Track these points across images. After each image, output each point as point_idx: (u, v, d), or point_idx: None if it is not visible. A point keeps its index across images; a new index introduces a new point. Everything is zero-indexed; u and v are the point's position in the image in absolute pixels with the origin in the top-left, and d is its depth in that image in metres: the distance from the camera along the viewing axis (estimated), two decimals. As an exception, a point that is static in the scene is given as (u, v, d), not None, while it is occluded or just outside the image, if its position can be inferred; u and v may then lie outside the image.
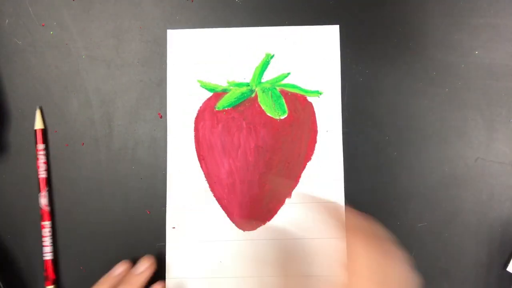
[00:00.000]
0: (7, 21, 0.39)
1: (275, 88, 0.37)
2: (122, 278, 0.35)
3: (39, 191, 0.38)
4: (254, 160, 0.37)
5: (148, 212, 0.38)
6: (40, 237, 0.38)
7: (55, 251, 0.38)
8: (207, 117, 0.37)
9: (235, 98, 0.37)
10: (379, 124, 0.38)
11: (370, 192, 0.38)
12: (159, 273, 0.37)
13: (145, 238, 0.38)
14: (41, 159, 0.38)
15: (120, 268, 0.36)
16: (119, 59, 0.39)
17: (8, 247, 0.39)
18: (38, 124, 0.39)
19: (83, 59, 0.39)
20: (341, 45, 0.38)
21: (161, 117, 0.38)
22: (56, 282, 0.38)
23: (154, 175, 0.38)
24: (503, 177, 0.37)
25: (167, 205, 0.38)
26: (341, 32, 0.38)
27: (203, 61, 0.38)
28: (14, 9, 0.39)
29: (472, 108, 0.38)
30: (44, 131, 0.39)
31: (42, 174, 0.38)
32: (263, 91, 0.37)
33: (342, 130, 0.38)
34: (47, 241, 0.38)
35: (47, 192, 0.38)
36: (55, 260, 0.38)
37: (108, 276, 0.36)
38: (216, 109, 0.37)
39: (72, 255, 0.38)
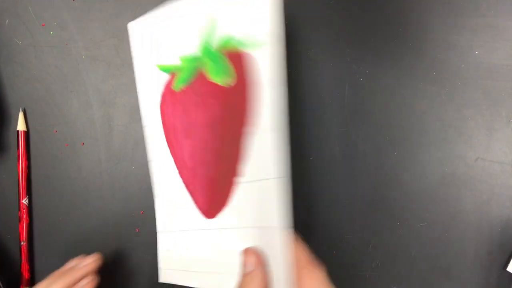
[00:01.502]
0: (7, 21, 0.39)
1: (219, 53, 0.33)
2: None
3: (22, 195, 0.38)
4: (208, 137, 0.33)
5: (141, 213, 0.38)
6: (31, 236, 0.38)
7: (55, 251, 0.38)
8: (169, 101, 0.35)
9: (187, 74, 0.34)
10: (379, 124, 0.38)
11: (370, 192, 0.38)
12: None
13: (145, 238, 0.38)
14: (22, 162, 0.38)
15: (72, 263, 0.36)
16: (119, 59, 0.39)
17: (7, 247, 0.39)
18: (21, 126, 0.38)
19: (83, 59, 0.39)
20: (341, 45, 0.38)
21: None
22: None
23: (154, 175, 0.38)
24: (503, 177, 0.37)
25: (155, 197, 0.36)
26: (341, 33, 0.38)
27: (157, 44, 0.35)
28: (14, 9, 0.39)
29: (472, 108, 0.38)
30: (27, 134, 0.39)
31: (23, 178, 0.38)
32: (210, 59, 0.33)
33: (340, 130, 0.37)
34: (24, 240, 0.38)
35: (27, 197, 0.38)
36: (55, 261, 0.38)
37: (60, 269, 0.35)
38: (174, 90, 0.34)
39: (72, 255, 0.38)
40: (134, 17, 0.39)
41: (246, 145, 0.31)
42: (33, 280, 0.39)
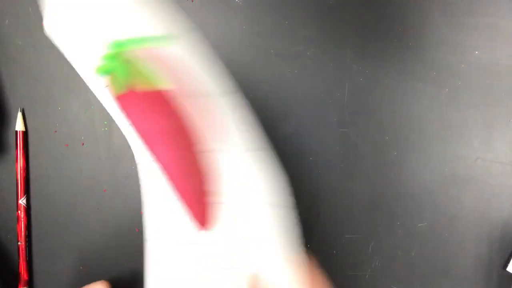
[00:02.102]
0: (7, 21, 0.39)
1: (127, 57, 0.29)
2: None
3: (20, 195, 0.38)
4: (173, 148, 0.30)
5: (141, 213, 0.38)
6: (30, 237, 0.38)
7: (54, 252, 0.38)
8: (124, 103, 0.30)
9: (121, 80, 0.29)
10: (379, 124, 0.38)
11: (370, 192, 0.38)
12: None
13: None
14: (21, 162, 0.38)
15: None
16: (119, 59, 0.39)
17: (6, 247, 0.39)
18: (19, 126, 0.38)
19: (83, 59, 0.39)
20: (341, 45, 0.38)
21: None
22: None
23: (154, 175, 0.38)
24: (503, 177, 0.37)
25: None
26: (341, 33, 0.38)
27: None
28: (14, 9, 0.39)
29: (472, 108, 0.38)
30: (26, 134, 0.39)
31: (21, 177, 0.38)
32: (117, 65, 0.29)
33: (340, 130, 0.37)
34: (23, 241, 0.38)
35: (25, 197, 0.38)
36: (55, 261, 0.38)
37: None
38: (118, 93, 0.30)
39: (72, 255, 0.38)
40: (134, 17, 0.39)
41: (208, 164, 0.29)
42: (32, 281, 0.39)
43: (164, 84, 0.29)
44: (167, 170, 0.31)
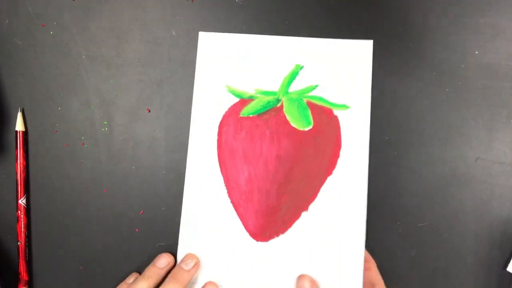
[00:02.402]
0: (7, 21, 0.39)
1: (301, 99, 0.37)
2: (170, 272, 0.35)
3: (20, 195, 0.38)
4: (274, 169, 0.36)
5: (141, 213, 0.38)
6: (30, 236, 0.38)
7: (54, 252, 0.38)
8: (232, 123, 0.37)
9: (261, 106, 0.37)
10: (379, 124, 0.38)
11: (370, 192, 0.38)
12: (159, 273, 0.37)
13: (145, 238, 0.38)
14: (21, 162, 0.38)
15: (163, 260, 0.36)
16: (119, 59, 0.39)
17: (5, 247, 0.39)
18: (19, 126, 0.38)
19: (83, 59, 0.39)
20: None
21: (149, 111, 0.39)
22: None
23: (154, 175, 0.38)
24: (503, 177, 0.37)
25: (182, 208, 0.37)
26: (341, 33, 0.38)
27: (232, 66, 0.37)
28: (14, 9, 0.39)
29: (472, 108, 0.38)
30: (26, 134, 0.39)
31: (21, 177, 0.38)
32: (290, 101, 0.37)
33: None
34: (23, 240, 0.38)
35: (25, 197, 0.38)
36: (55, 261, 0.38)
37: (154, 267, 0.35)
38: (241, 116, 0.37)
39: (72, 255, 0.38)
40: (134, 17, 0.39)
41: (319, 188, 0.36)
42: (32, 281, 0.39)
43: (306, 127, 0.36)
44: (238, 185, 0.37)
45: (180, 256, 0.36)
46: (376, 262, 0.37)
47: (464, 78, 0.38)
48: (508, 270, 0.37)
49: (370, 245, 0.37)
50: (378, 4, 0.38)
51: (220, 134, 0.37)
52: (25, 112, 0.39)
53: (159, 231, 0.38)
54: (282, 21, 0.38)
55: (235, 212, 0.36)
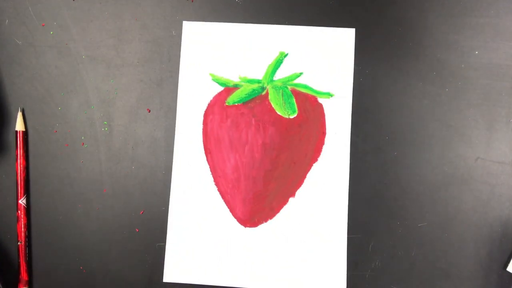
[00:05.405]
0: (7, 21, 0.39)
1: (286, 87, 0.37)
2: None
3: (20, 195, 0.38)
4: (261, 157, 0.37)
5: (141, 213, 0.38)
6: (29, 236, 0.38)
7: (54, 252, 0.38)
8: (217, 111, 0.37)
9: (246, 94, 0.37)
10: (379, 124, 0.38)
11: (370, 192, 0.38)
12: (160, 272, 0.37)
13: (145, 238, 0.38)
14: (21, 162, 0.38)
15: None
16: (119, 59, 0.39)
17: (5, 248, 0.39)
18: (19, 126, 0.38)
19: (83, 59, 0.39)
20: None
21: (149, 111, 0.39)
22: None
23: (154, 175, 0.38)
24: (503, 177, 0.37)
25: (170, 197, 0.38)
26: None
27: (217, 55, 0.38)
28: (14, 9, 0.39)
29: (472, 108, 0.38)
30: (26, 134, 0.39)
31: (21, 177, 0.38)
32: (274, 89, 0.37)
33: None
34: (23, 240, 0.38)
35: (25, 197, 0.38)
36: (55, 261, 0.38)
37: None
38: (226, 104, 0.37)
39: (72, 255, 0.38)
40: (134, 17, 0.39)
41: (306, 174, 0.37)
42: (32, 281, 0.39)
43: (290, 114, 0.37)
44: (225, 173, 0.37)
45: (169, 247, 0.37)
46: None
47: (464, 78, 0.38)
48: (508, 270, 0.37)
49: (370, 245, 0.37)
50: (378, 4, 0.38)
51: (205, 123, 0.38)
52: (25, 112, 0.39)
53: (159, 231, 0.38)
54: (282, 21, 0.38)
55: (222, 200, 0.37)
